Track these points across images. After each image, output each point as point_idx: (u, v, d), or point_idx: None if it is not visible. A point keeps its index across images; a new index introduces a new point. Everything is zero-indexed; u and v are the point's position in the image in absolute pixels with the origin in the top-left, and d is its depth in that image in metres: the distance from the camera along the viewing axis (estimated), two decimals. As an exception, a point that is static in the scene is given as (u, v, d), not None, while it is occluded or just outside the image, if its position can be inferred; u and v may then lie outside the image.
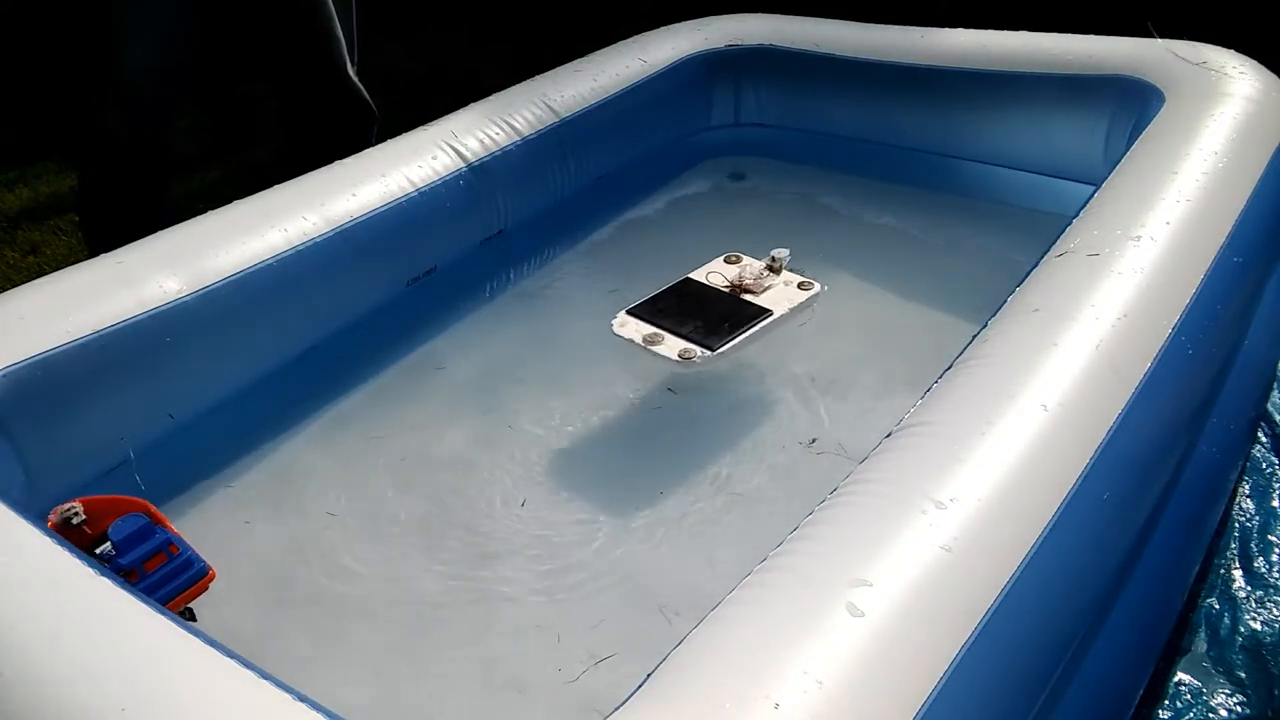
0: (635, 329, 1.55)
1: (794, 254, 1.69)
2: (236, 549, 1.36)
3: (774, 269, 1.66)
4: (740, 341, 1.52)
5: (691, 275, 1.67)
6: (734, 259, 1.70)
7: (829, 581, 0.86)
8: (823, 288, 1.62)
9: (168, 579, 1.14)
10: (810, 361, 1.68)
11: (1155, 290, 1.25)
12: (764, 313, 1.57)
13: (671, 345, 1.51)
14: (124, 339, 1.36)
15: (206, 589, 1.17)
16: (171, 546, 1.15)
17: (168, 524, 1.19)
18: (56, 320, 1.33)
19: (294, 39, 2.09)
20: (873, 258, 1.99)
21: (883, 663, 0.81)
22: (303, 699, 0.82)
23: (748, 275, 1.63)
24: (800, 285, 1.64)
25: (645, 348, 1.51)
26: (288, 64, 2.15)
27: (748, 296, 1.61)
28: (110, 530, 1.13)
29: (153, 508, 1.20)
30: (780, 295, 1.62)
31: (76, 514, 1.15)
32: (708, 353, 1.49)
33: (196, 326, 1.43)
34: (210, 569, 1.18)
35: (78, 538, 1.13)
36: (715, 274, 1.66)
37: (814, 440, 1.50)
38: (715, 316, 1.56)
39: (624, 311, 1.58)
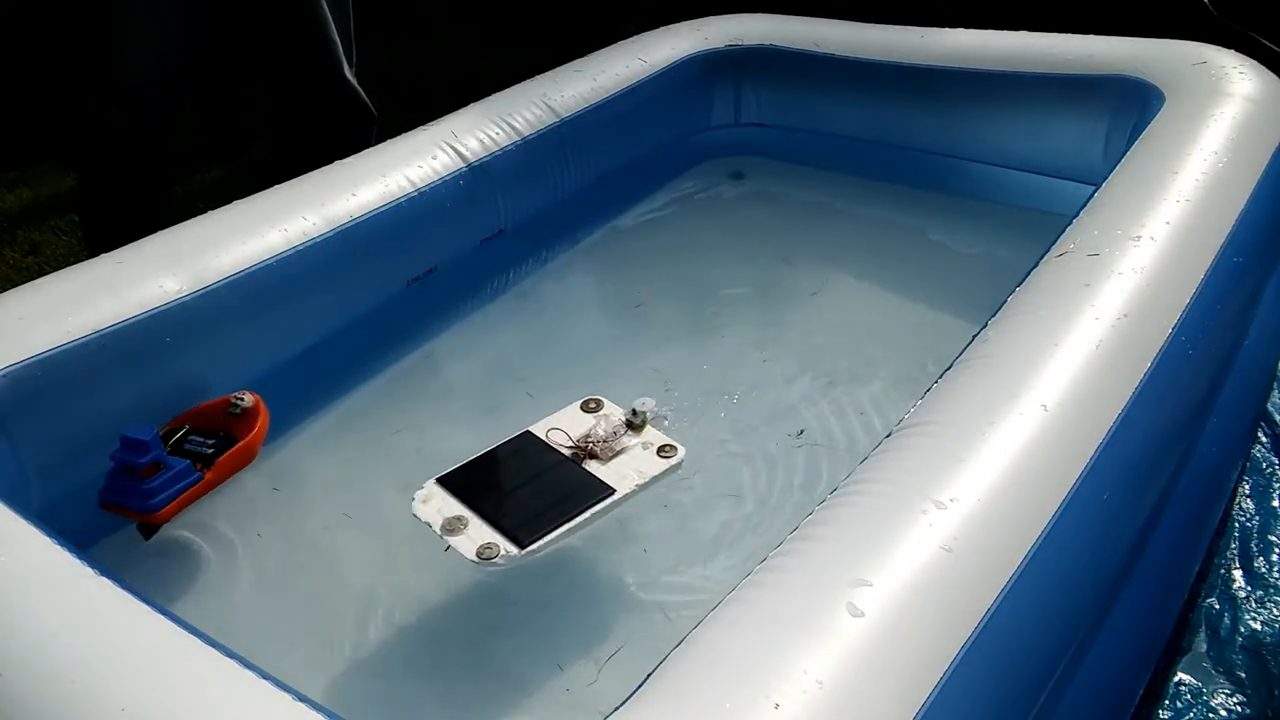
0: (438, 508, 1.25)
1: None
2: (236, 549, 1.36)
3: (634, 425, 1.36)
4: (563, 533, 1.21)
5: (533, 429, 1.37)
6: (593, 405, 1.40)
7: (829, 581, 0.86)
8: (684, 454, 1.31)
9: (167, 484, 1.28)
10: (810, 361, 1.68)
11: (1155, 290, 1.25)
12: (603, 492, 1.26)
13: (475, 535, 1.21)
14: (124, 339, 1.36)
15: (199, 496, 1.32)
16: (156, 464, 1.28)
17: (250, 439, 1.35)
18: (56, 320, 1.33)
19: (290, 41, 2.10)
20: (873, 258, 1.99)
21: (883, 663, 0.81)
22: (303, 699, 0.82)
23: (600, 432, 1.34)
24: (661, 451, 1.32)
25: (442, 537, 1.21)
26: (285, 66, 2.15)
27: (592, 465, 1.30)
28: (126, 431, 1.27)
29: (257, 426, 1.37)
30: (633, 463, 1.31)
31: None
32: (514, 550, 1.18)
33: (196, 326, 1.43)
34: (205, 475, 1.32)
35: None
36: (559, 431, 1.35)
37: (801, 432, 1.49)
38: (542, 493, 1.27)
39: (434, 480, 1.29)
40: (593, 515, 1.24)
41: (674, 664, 0.83)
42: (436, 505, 1.25)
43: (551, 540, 1.20)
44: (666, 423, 1.46)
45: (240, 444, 1.35)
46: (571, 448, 1.33)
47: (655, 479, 1.29)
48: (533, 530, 1.20)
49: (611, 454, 1.32)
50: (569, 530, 1.21)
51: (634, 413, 1.36)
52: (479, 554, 1.18)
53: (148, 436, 1.27)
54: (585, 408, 1.40)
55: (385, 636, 1.25)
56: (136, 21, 1.92)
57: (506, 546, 1.18)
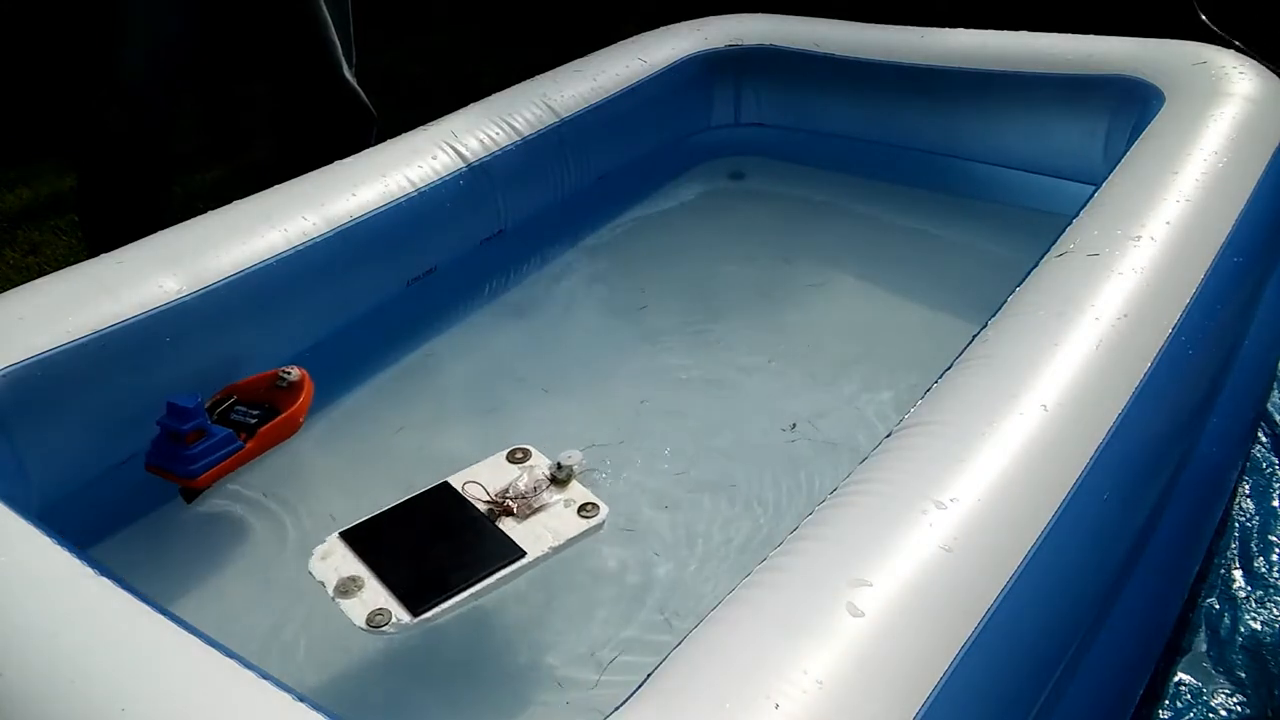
0: (335, 565, 1.16)
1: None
2: (237, 549, 1.36)
3: (558, 480, 1.27)
4: (463, 600, 1.12)
5: (452, 479, 1.28)
6: (520, 455, 1.32)
7: (829, 581, 0.86)
8: (606, 514, 1.23)
9: (208, 451, 1.32)
10: (810, 361, 1.68)
11: (1155, 290, 1.25)
12: (512, 555, 1.17)
13: (368, 598, 1.11)
14: (124, 339, 1.36)
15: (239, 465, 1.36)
16: (199, 431, 1.32)
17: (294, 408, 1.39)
18: (56, 320, 1.33)
19: (290, 41, 2.10)
20: (872, 258, 1.99)
21: (883, 663, 0.81)
22: (302, 699, 0.82)
23: (521, 486, 1.25)
24: (582, 509, 1.23)
25: (334, 599, 1.12)
26: (284, 66, 2.15)
27: (506, 523, 1.22)
28: (172, 398, 1.31)
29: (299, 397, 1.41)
30: (550, 522, 1.22)
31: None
32: (405, 619, 1.09)
33: (196, 326, 1.43)
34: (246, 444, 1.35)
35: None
36: (475, 484, 1.26)
37: (794, 425, 1.48)
38: (448, 554, 1.18)
39: (336, 535, 1.21)
40: (499, 580, 1.15)
41: (674, 664, 0.83)
42: (334, 563, 1.16)
43: (449, 608, 1.11)
44: (603, 475, 1.39)
45: (283, 415, 1.38)
46: (488, 503, 1.24)
47: (571, 541, 1.20)
48: (428, 596, 1.11)
49: (529, 511, 1.23)
50: (470, 596, 1.13)
51: (559, 466, 1.28)
52: (369, 620, 1.09)
53: (191, 404, 1.30)
54: (511, 458, 1.32)
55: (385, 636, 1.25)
56: (135, 21, 1.92)
57: (399, 613, 1.09)
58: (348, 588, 1.13)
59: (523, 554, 1.17)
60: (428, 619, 1.10)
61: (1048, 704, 0.97)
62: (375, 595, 1.12)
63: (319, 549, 1.19)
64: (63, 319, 1.33)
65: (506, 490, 1.25)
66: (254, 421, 1.37)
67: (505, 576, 1.15)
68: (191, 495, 1.38)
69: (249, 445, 1.35)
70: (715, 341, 1.78)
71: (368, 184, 1.68)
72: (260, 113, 2.71)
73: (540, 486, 1.26)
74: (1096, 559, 1.05)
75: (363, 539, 1.20)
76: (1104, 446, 1.05)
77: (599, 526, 1.23)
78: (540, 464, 1.30)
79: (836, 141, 2.24)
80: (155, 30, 1.94)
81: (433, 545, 1.20)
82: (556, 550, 1.19)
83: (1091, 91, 1.88)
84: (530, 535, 1.20)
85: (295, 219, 1.57)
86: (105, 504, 1.38)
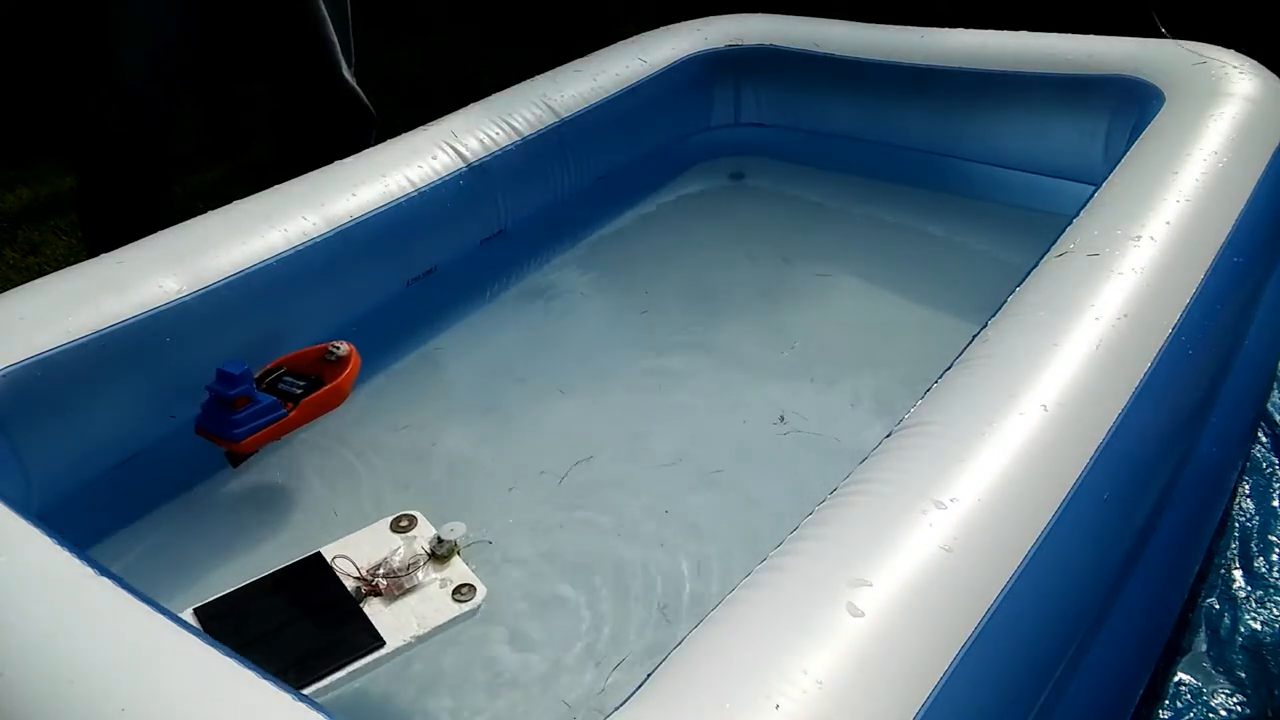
0: None
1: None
2: (237, 550, 1.36)
3: (438, 555, 1.21)
4: (314, 692, 1.07)
5: (325, 549, 1.23)
6: (404, 524, 1.26)
7: (829, 581, 0.86)
8: (483, 596, 1.18)
9: (252, 417, 1.36)
10: (810, 360, 1.68)
11: (1155, 290, 1.25)
12: (370, 644, 1.11)
13: None
14: (124, 339, 1.36)
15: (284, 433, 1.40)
16: (245, 398, 1.36)
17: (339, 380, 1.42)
18: (56, 320, 1.33)
19: (289, 42, 2.10)
20: (872, 258, 1.99)
21: (883, 663, 0.81)
22: (303, 699, 0.82)
23: (395, 562, 1.18)
24: (457, 592, 1.17)
25: None
26: (283, 66, 2.15)
27: (373, 605, 1.16)
28: (221, 365, 1.36)
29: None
30: (420, 605, 1.16)
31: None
32: None
33: (196, 326, 1.43)
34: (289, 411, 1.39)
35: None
36: (344, 558, 1.20)
37: (781, 418, 1.48)
38: (305, 638, 1.12)
39: (192, 610, 1.15)
40: (352, 672, 1.09)
41: (674, 664, 0.83)
42: None
43: None
44: (490, 544, 1.32)
45: (327, 387, 1.42)
46: (357, 580, 1.18)
47: (438, 629, 1.13)
48: None
49: (400, 591, 1.16)
50: (323, 688, 1.07)
51: (439, 541, 1.22)
52: None
53: (238, 371, 1.35)
54: (395, 525, 1.27)
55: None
56: (135, 21, 1.92)
57: None
58: None
59: (381, 644, 1.12)
60: None
61: (1048, 704, 0.97)
62: None
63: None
64: (63, 319, 1.33)
65: (379, 566, 1.19)
66: (299, 392, 1.41)
67: (360, 669, 1.10)
68: (237, 459, 1.43)
69: (292, 414, 1.39)
70: (715, 341, 1.78)
71: (368, 184, 1.68)
72: (260, 113, 2.71)
73: (417, 563, 1.19)
74: (1096, 559, 1.05)
75: (218, 616, 1.15)
76: (1104, 446, 1.05)
77: (473, 612, 1.16)
78: (424, 534, 1.24)
79: (836, 141, 2.24)
80: (155, 30, 1.94)
81: (290, 627, 1.14)
82: (420, 639, 1.13)
83: (1091, 91, 1.88)
84: (394, 621, 1.14)
85: (295, 219, 1.57)
86: (105, 504, 1.38)
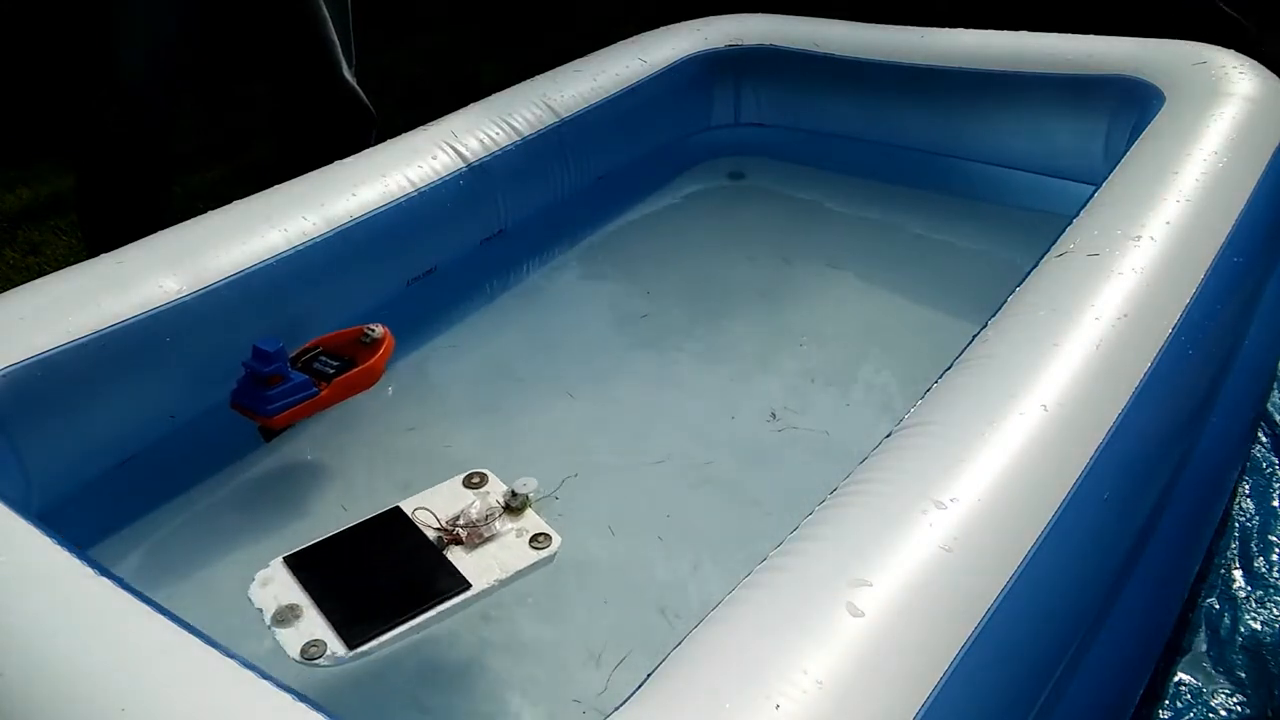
0: (275, 593, 1.13)
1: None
2: (237, 550, 1.36)
3: (513, 508, 1.24)
4: (403, 633, 1.09)
5: (404, 504, 1.26)
6: (476, 480, 1.29)
7: (829, 581, 0.86)
8: (559, 545, 1.20)
9: (285, 394, 1.40)
10: (810, 361, 1.68)
11: (1155, 290, 1.25)
12: (457, 587, 1.14)
13: (305, 629, 1.08)
14: (124, 339, 1.36)
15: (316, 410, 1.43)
16: (279, 375, 1.39)
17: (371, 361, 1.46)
18: (56, 320, 1.33)
19: (289, 41, 2.10)
20: (872, 258, 1.99)
21: (883, 663, 0.81)
22: (303, 699, 0.82)
23: (473, 514, 1.21)
24: (534, 540, 1.20)
25: (270, 628, 1.09)
26: (283, 66, 2.15)
27: (455, 552, 1.18)
28: (257, 341, 1.39)
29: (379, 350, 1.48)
30: (500, 553, 1.19)
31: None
32: (341, 651, 1.06)
33: (196, 326, 1.43)
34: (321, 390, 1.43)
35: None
36: (424, 510, 1.23)
37: (773, 415, 1.48)
38: (391, 583, 1.15)
39: (280, 559, 1.18)
40: (442, 612, 1.11)
41: (674, 664, 0.83)
42: (275, 590, 1.13)
43: (387, 640, 1.08)
44: (559, 500, 1.35)
45: (360, 367, 1.45)
46: (438, 530, 1.21)
47: (519, 574, 1.16)
48: (366, 629, 1.08)
49: (480, 540, 1.19)
50: (411, 629, 1.09)
51: (513, 494, 1.25)
52: (303, 652, 1.05)
53: (273, 349, 1.38)
54: (468, 482, 1.29)
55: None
56: (135, 21, 1.92)
57: (335, 645, 1.06)
58: (285, 616, 1.10)
59: (468, 586, 1.14)
60: (364, 652, 1.07)
61: (1048, 704, 0.97)
62: (312, 625, 1.09)
63: (261, 574, 1.16)
64: (63, 319, 1.33)
65: (458, 517, 1.21)
66: (332, 371, 1.45)
67: (449, 609, 1.12)
68: (269, 434, 1.47)
69: (324, 393, 1.43)
70: (715, 341, 1.78)
71: (368, 184, 1.68)
72: (260, 113, 2.70)
73: (493, 514, 1.22)
74: (1096, 559, 1.05)
75: (307, 565, 1.17)
76: (1104, 447, 1.05)
77: (550, 558, 1.19)
78: (496, 490, 1.27)
79: (836, 141, 2.24)
80: (155, 30, 1.94)
81: (377, 573, 1.17)
82: (504, 583, 1.16)
83: (1091, 91, 1.88)
84: (477, 566, 1.16)
85: (295, 219, 1.57)
86: (105, 504, 1.38)
